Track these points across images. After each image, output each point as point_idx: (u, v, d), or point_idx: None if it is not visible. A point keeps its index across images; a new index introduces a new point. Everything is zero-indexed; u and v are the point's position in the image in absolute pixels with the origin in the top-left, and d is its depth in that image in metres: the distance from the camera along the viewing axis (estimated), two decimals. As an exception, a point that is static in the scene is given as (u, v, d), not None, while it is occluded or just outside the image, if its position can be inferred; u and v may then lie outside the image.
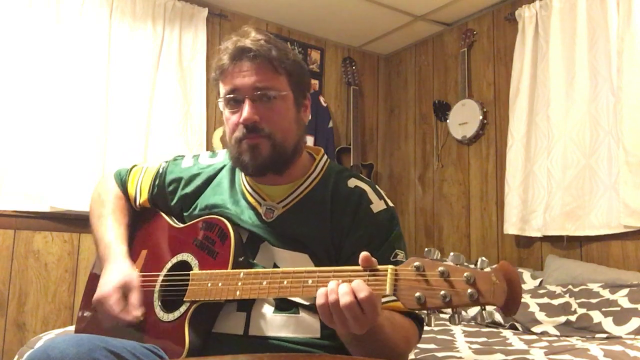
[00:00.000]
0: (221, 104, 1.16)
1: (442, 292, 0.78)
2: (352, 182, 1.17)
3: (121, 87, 2.85)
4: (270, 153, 1.11)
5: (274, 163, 1.12)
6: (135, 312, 1.10)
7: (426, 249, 0.84)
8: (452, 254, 0.82)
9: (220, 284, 1.02)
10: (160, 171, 1.31)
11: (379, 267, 0.86)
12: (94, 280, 1.31)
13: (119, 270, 1.15)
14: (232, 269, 1.04)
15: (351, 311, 0.83)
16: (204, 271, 1.07)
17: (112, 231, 1.24)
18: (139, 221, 1.32)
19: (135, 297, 1.11)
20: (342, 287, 0.85)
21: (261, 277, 0.98)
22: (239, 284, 0.99)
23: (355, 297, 0.84)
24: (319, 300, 0.86)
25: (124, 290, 1.11)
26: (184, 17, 3.08)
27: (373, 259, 0.88)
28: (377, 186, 1.20)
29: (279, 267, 1.10)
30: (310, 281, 0.91)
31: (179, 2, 3.06)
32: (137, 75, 2.89)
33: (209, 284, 1.03)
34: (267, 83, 1.11)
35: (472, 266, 0.81)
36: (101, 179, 1.42)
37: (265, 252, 1.13)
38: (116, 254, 1.19)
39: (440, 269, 0.80)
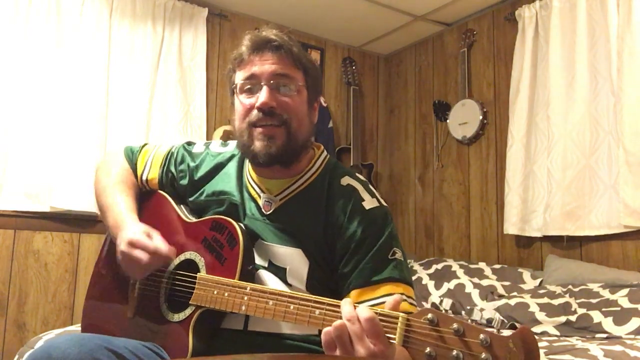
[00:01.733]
0: (235, 91, 1.16)
1: (455, 352, 0.74)
2: (345, 180, 1.17)
3: (121, 87, 2.85)
4: (284, 142, 1.11)
5: (285, 154, 1.12)
6: (169, 248, 1.08)
7: (440, 299, 0.80)
8: (468, 307, 0.78)
9: (226, 294, 1.01)
10: (172, 151, 1.33)
11: (390, 312, 0.83)
12: (98, 275, 1.31)
13: (139, 226, 1.13)
14: (240, 277, 1.04)
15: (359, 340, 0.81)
16: (211, 276, 1.06)
17: (122, 201, 1.22)
18: (149, 209, 1.31)
19: (161, 240, 1.09)
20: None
21: (268, 296, 0.97)
22: (245, 298, 0.99)
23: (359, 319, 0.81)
24: (325, 337, 0.84)
25: (150, 234, 1.10)
26: (184, 17, 3.08)
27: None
28: (370, 186, 1.19)
29: (274, 263, 1.11)
30: (317, 312, 0.90)
31: (179, 2, 3.06)
32: (137, 75, 2.89)
33: (215, 292, 1.03)
34: (287, 72, 1.13)
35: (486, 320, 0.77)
36: (109, 152, 1.42)
37: (261, 248, 1.13)
38: (130, 220, 1.17)
39: (455, 326, 0.75)
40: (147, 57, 2.93)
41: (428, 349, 0.76)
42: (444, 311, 0.84)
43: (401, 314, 0.81)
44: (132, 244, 1.07)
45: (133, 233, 1.09)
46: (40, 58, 2.66)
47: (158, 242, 1.08)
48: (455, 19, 3.37)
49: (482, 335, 0.73)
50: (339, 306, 0.88)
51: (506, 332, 0.75)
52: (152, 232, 1.11)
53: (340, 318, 0.85)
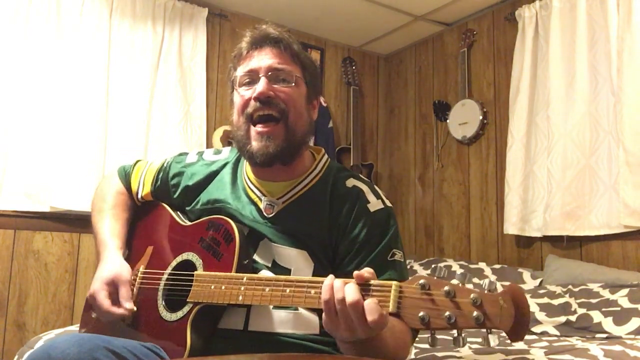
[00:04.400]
0: (234, 85, 1.17)
1: (447, 313, 0.76)
2: (351, 182, 1.18)
3: (121, 87, 2.85)
4: (283, 139, 1.12)
5: (284, 152, 1.12)
6: (126, 305, 1.11)
7: (433, 266, 0.82)
8: (459, 272, 0.80)
9: (223, 287, 1.02)
10: (165, 166, 1.33)
11: (384, 282, 0.85)
12: None
13: (109, 266, 1.16)
14: (236, 271, 1.04)
15: (357, 310, 0.82)
16: (207, 273, 1.07)
17: (107, 227, 1.26)
18: (146, 216, 1.32)
19: (125, 291, 1.12)
20: (349, 286, 0.84)
21: (264, 283, 0.98)
22: (242, 288, 1.00)
23: (363, 297, 0.83)
24: (325, 296, 0.85)
25: (114, 285, 1.13)
26: (184, 17, 3.08)
27: (367, 275, 0.86)
28: (375, 186, 1.21)
29: (278, 264, 1.12)
30: (312, 292, 0.91)
31: (179, 2, 3.06)
32: (137, 75, 2.89)
33: (212, 287, 1.03)
34: (285, 66, 1.14)
35: (482, 282, 0.78)
36: (105, 176, 1.45)
37: (265, 248, 1.14)
38: (109, 250, 1.21)
39: (446, 288, 0.77)
40: (147, 57, 2.93)
41: (421, 313, 0.78)
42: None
43: (394, 282, 0.83)
44: (92, 297, 1.13)
45: (96, 283, 1.13)
46: (40, 58, 2.66)
47: (108, 302, 1.11)
48: (455, 19, 3.37)
49: (472, 295, 0.75)
50: None
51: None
52: (119, 279, 1.14)
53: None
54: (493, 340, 0.75)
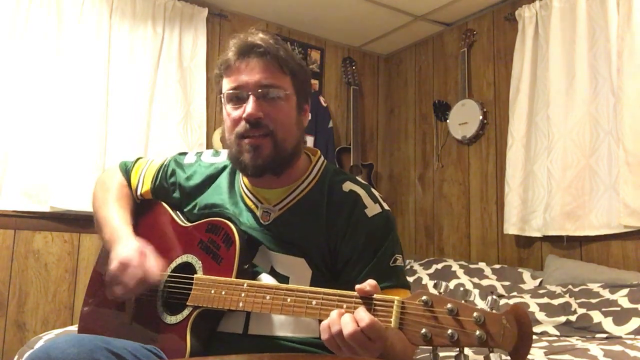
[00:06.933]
0: (223, 100, 1.16)
1: (450, 331, 0.76)
2: (347, 186, 1.16)
3: (121, 87, 2.85)
4: (271, 152, 1.10)
5: (273, 163, 1.11)
6: (160, 272, 1.09)
7: (435, 281, 0.82)
8: (461, 289, 0.80)
9: (223, 293, 1.01)
10: (164, 165, 1.33)
11: (386, 297, 0.85)
12: (96, 278, 1.32)
13: (133, 242, 1.14)
14: (236, 276, 1.04)
15: (357, 340, 0.82)
16: (207, 276, 1.06)
17: (118, 216, 1.24)
18: (146, 214, 1.32)
19: (154, 261, 1.10)
20: (344, 318, 0.84)
21: (265, 291, 0.97)
22: (242, 295, 0.99)
23: (359, 325, 0.83)
24: (324, 336, 0.86)
25: (145, 255, 1.11)
26: (184, 17, 3.08)
27: (369, 288, 0.86)
28: (372, 189, 1.19)
29: (276, 271, 1.11)
30: (314, 302, 0.91)
31: (179, 2, 3.06)
32: (137, 75, 2.89)
33: (212, 291, 1.03)
34: (272, 81, 1.11)
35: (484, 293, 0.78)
36: (106, 169, 1.44)
37: (263, 255, 1.13)
38: (126, 234, 1.18)
39: (449, 306, 0.77)
40: (147, 57, 2.93)
41: (423, 330, 0.78)
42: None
43: (396, 297, 0.83)
44: (124, 265, 1.08)
45: (127, 251, 1.09)
46: (40, 58, 2.66)
47: (150, 265, 1.09)
48: (455, 19, 3.37)
49: (475, 314, 0.75)
50: (335, 295, 0.89)
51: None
52: (146, 250, 1.11)
53: (336, 306, 0.87)
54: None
